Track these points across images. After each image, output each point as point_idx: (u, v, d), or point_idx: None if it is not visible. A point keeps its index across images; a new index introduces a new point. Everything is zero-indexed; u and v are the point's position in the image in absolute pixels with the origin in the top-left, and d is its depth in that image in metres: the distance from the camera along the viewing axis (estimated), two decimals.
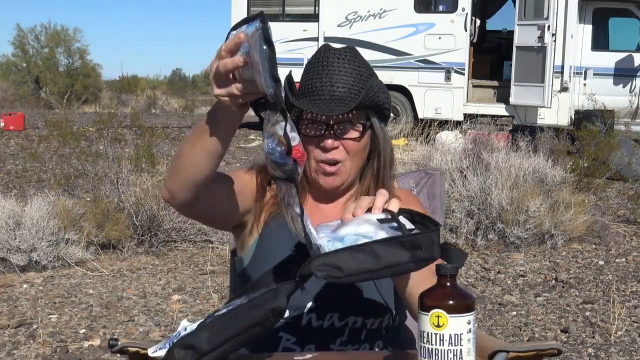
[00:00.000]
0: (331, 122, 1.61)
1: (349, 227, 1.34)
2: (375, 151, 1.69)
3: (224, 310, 1.31)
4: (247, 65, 1.24)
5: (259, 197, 1.69)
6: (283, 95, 1.20)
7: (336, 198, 1.73)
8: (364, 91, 1.59)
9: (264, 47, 1.17)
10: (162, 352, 1.30)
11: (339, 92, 1.59)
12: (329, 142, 1.61)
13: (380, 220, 1.35)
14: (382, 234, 1.31)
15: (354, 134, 1.63)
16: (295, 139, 1.23)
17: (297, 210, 1.29)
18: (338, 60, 1.61)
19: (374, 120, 1.66)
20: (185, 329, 1.34)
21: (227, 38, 1.31)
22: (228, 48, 1.26)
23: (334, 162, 1.63)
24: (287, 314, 1.56)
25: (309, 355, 1.51)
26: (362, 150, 1.66)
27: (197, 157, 1.44)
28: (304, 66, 1.66)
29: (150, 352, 1.32)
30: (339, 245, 1.30)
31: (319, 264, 1.26)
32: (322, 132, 1.61)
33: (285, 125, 1.22)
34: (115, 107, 16.77)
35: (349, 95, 1.59)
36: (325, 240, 1.31)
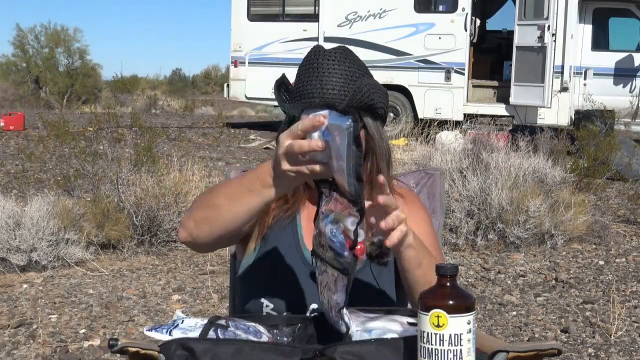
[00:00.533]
0: None
1: (378, 322, 1.38)
2: (371, 151, 1.68)
3: (246, 335, 1.35)
4: (324, 150, 1.26)
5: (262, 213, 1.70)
6: (359, 188, 1.23)
7: None
8: (351, 93, 1.57)
9: (353, 147, 1.20)
10: (157, 335, 1.32)
11: (329, 94, 1.57)
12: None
13: (410, 324, 1.38)
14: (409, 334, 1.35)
15: None
16: (361, 235, 1.26)
17: (340, 301, 1.33)
18: (328, 62, 1.60)
19: (366, 120, 1.64)
20: (183, 321, 1.36)
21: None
22: (305, 128, 1.27)
23: None
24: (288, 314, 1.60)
25: None
26: None
27: (240, 215, 1.45)
28: (297, 68, 1.66)
29: (146, 330, 1.34)
30: (365, 337, 1.35)
31: (344, 351, 1.29)
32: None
33: (359, 223, 1.25)
34: (112, 107, 16.76)
35: (339, 97, 1.58)
36: (354, 328, 1.36)
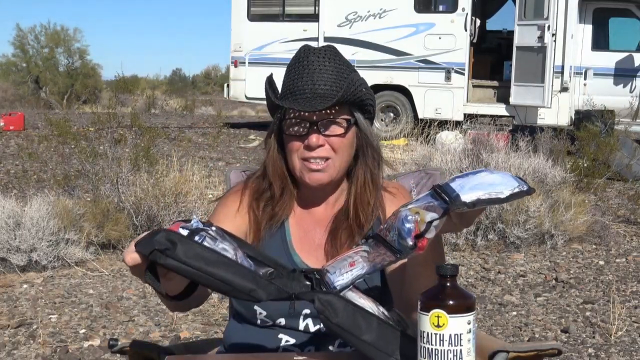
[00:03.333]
0: (315, 119, 1.60)
1: (362, 300, 1.40)
2: (364, 148, 1.68)
3: (223, 250, 1.33)
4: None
5: (252, 223, 1.70)
6: None
7: (324, 199, 1.72)
8: (345, 85, 1.59)
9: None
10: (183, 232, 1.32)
11: (320, 89, 1.59)
12: (314, 139, 1.60)
13: (385, 315, 1.41)
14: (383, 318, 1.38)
15: (338, 130, 1.62)
16: (431, 232, 1.30)
17: (365, 271, 1.38)
18: (318, 59, 1.62)
19: (358, 115, 1.65)
20: (198, 223, 1.36)
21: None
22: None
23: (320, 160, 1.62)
24: (264, 313, 1.61)
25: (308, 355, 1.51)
26: (348, 147, 1.65)
27: (184, 308, 1.53)
28: (286, 68, 1.66)
29: (180, 227, 1.33)
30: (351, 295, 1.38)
31: (324, 298, 1.33)
32: (307, 130, 1.61)
33: (436, 221, 1.29)
34: (114, 107, 16.77)
35: (331, 92, 1.59)
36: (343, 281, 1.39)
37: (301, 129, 1.61)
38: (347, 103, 1.61)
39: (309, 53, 1.63)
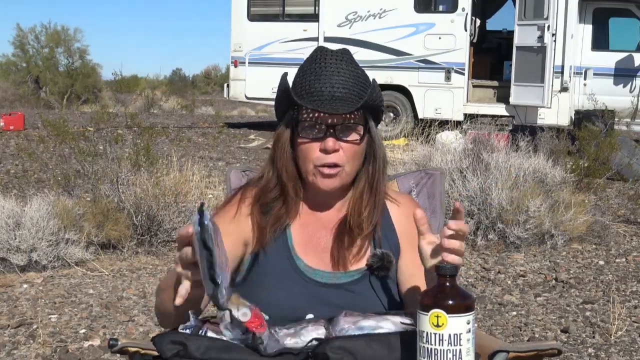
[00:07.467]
0: (333, 122, 1.58)
1: (371, 320, 1.43)
2: (371, 155, 1.67)
3: (229, 338, 1.40)
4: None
5: (255, 229, 1.68)
6: (224, 296, 1.26)
7: (332, 204, 1.71)
8: (369, 90, 1.58)
9: (203, 250, 1.22)
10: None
11: (339, 92, 1.57)
12: (331, 143, 1.57)
13: (403, 323, 1.42)
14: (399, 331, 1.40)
15: (355, 136, 1.61)
16: (247, 314, 1.34)
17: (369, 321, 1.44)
18: (336, 62, 1.60)
19: (371, 123, 1.65)
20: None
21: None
22: (180, 237, 1.34)
23: (333, 166, 1.60)
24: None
25: None
26: (361, 154, 1.64)
27: (180, 309, 1.44)
28: (299, 68, 1.64)
29: (180, 328, 1.44)
30: (357, 333, 1.40)
31: (334, 346, 1.34)
32: (323, 133, 1.58)
33: (231, 315, 1.33)
34: (113, 106, 16.78)
35: (349, 96, 1.57)
36: (346, 328, 1.43)
37: (318, 133, 1.59)
38: (365, 109, 1.60)
39: (327, 55, 1.61)
